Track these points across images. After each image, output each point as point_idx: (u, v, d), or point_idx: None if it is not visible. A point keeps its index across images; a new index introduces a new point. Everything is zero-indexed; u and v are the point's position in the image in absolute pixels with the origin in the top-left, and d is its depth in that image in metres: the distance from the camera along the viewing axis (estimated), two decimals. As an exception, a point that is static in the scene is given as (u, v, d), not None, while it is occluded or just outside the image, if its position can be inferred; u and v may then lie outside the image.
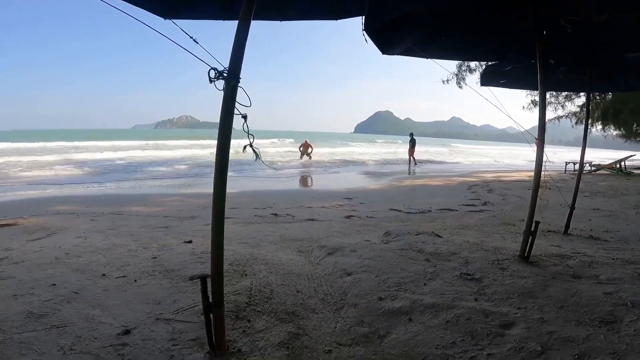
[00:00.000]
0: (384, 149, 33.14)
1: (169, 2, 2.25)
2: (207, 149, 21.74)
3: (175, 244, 3.31)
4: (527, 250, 2.84)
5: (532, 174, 3.03)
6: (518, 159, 26.39)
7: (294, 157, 19.13)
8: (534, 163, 3.00)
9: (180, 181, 10.75)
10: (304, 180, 12.08)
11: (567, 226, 4.23)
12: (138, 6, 2.08)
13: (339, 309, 2.19)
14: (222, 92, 1.47)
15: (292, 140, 35.41)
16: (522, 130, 3.28)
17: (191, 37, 1.59)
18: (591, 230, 4.41)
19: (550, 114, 17.73)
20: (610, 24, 2.91)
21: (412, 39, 3.13)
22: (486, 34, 3.31)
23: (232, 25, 1.59)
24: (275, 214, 5.66)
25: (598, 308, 2.05)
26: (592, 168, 14.50)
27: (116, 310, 1.97)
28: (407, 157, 19.21)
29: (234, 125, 1.50)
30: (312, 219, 5.27)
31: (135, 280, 2.37)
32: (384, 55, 3.24)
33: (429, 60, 3.44)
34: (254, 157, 1.58)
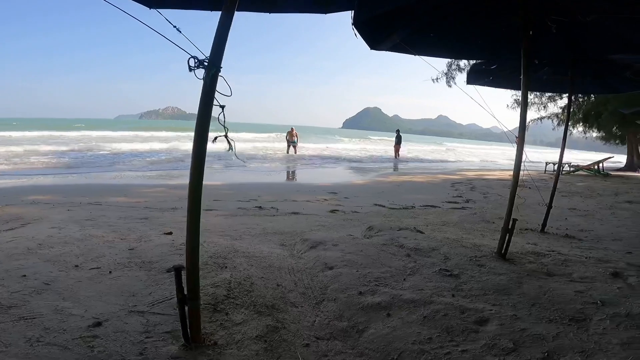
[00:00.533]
0: (379, 146, 32.40)
1: None
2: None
3: (155, 236, 3.25)
4: (504, 247, 2.89)
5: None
6: (501, 158, 26.91)
7: (282, 150, 19.05)
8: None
9: (164, 172, 10.55)
10: (289, 174, 12.04)
11: (544, 224, 4.35)
12: (123, -6, 2.00)
13: (318, 303, 2.20)
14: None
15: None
16: (505, 130, 3.33)
17: (174, 26, 1.55)
18: (567, 229, 4.54)
19: (533, 114, 18.15)
20: (594, 26, 2.96)
21: (401, 34, 3.12)
22: (474, 31, 3.33)
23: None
24: (260, 207, 5.62)
25: (569, 306, 2.11)
26: (571, 169, 14.91)
27: (88, 302, 1.92)
28: (394, 153, 19.58)
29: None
30: (297, 213, 5.26)
31: (110, 272, 2.32)
32: (376, 52, 3.25)
33: (420, 57, 3.45)
34: (228, 149, 1.55)
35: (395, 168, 15.68)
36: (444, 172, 13.72)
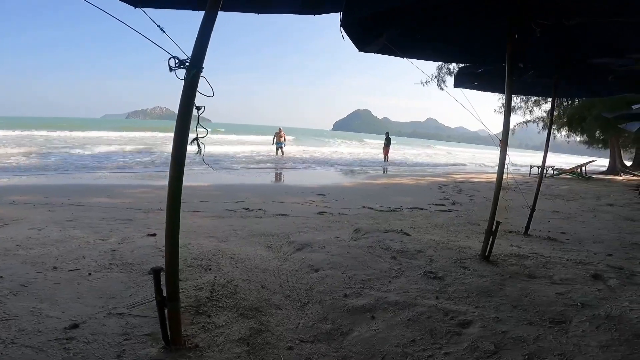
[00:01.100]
0: (368, 149, 31.90)
1: None
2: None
3: (138, 237, 3.19)
4: (487, 249, 2.92)
5: (498, 175, 3.12)
6: (487, 161, 27.31)
7: (270, 152, 18.96)
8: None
9: (149, 173, 10.40)
10: (278, 176, 11.99)
11: (528, 227, 4.42)
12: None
13: (303, 305, 2.18)
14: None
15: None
16: (491, 133, 3.38)
17: (158, 26, 1.53)
18: (549, 231, 4.62)
19: (519, 118, 18.50)
20: (578, 29, 3.02)
21: (388, 37, 3.14)
22: (460, 35, 3.37)
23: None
24: (247, 209, 5.58)
25: (550, 308, 2.13)
26: (555, 172, 15.23)
27: (65, 304, 1.87)
28: (383, 156, 19.74)
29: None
30: (284, 215, 5.24)
31: (89, 274, 2.26)
32: (365, 54, 3.26)
33: (407, 60, 3.48)
34: (197, 152, 1.54)
35: (385, 170, 15.77)
36: (432, 175, 13.86)
